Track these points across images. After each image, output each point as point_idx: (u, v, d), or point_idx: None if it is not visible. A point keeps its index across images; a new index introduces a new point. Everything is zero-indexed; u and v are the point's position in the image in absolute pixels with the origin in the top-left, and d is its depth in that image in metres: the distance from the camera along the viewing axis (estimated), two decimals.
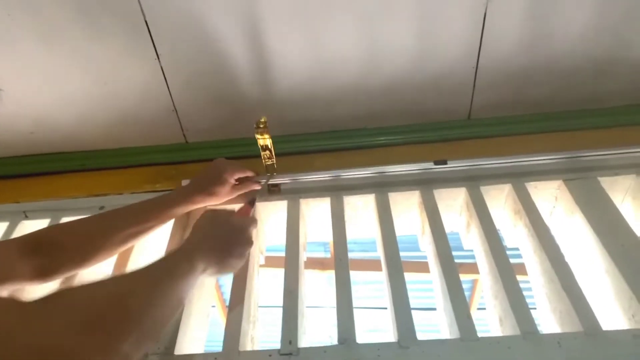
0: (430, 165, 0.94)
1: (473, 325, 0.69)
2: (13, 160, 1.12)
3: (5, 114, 1.06)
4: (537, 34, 0.98)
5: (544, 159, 0.93)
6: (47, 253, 0.71)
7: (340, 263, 0.81)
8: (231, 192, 0.89)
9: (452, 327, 0.72)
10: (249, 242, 0.74)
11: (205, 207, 0.89)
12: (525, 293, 0.72)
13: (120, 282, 0.56)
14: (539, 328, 0.68)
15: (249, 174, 0.93)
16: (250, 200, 0.88)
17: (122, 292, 0.53)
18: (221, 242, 0.70)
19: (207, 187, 0.86)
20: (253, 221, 0.78)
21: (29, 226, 0.99)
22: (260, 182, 0.94)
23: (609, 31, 0.97)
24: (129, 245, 0.81)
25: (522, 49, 1.00)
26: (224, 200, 0.89)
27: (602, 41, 0.99)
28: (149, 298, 0.54)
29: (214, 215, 0.74)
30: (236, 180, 0.90)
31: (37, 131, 1.09)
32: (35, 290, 0.77)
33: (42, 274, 0.71)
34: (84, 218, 0.80)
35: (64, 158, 1.11)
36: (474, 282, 3.30)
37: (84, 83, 1.01)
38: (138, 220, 0.80)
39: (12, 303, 0.49)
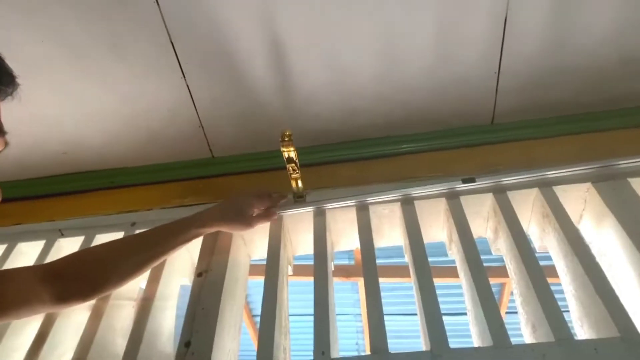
0: (457, 183, 0.93)
1: (506, 333, 0.68)
2: (47, 180, 1.17)
3: (38, 136, 1.10)
4: (560, 35, 0.97)
5: (572, 170, 0.90)
6: (61, 282, 0.74)
7: (369, 273, 0.82)
8: (250, 225, 0.89)
9: (484, 334, 0.71)
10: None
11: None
12: (556, 295, 0.71)
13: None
14: (574, 334, 0.67)
15: (270, 203, 0.94)
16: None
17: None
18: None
19: (227, 217, 0.87)
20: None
21: (64, 244, 1.03)
22: (278, 214, 0.95)
23: (633, 30, 0.96)
24: (145, 270, 0.82)
25: (544, 51, 0.99)
26: (245, 231, 0.92)
27: (627, 40, 0.98)
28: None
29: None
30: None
31: (69, 151, 1.13)
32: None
33: (59, 300, 0.73)
34: (98, 245, 0.83)
35: (95, 176, 1.15)
36: (502, 285, 3.25)
37: (113, 103, 1.05)
38: (154, 247, 0.81)
39: None
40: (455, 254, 0.94)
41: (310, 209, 0.96)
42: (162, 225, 0.84)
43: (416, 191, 0.95)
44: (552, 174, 0.91)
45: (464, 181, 0.93)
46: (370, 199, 0.95)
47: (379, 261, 0.85)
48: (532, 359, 0.64)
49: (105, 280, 0.76)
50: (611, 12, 0.93)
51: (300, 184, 0.96)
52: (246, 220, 0.88)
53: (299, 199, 0.98)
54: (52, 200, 1.13)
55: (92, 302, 0.88)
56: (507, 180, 0.92)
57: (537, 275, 0.75)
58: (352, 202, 0.95)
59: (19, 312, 0.69)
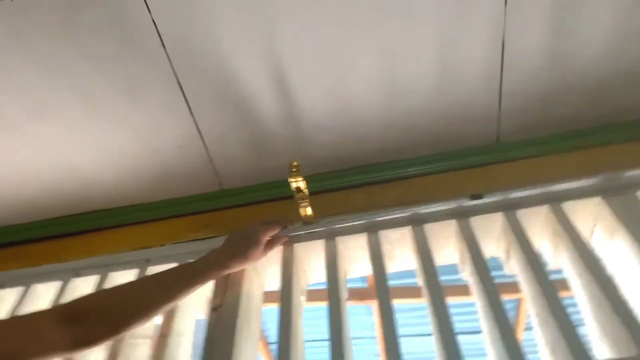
0: (466, 200, 0.94)
1: (523, 354, 0.68)
2: (61, 221, 1.18)
3: (53, 178, 1.12)
4: (558, 52, 0.98)
5: (580, 183, 0.91)
6: (80, 324, 0.73)
7: (383, 298, 0.82)
8: (263, 253, 0.91)
9: (502, 356, 0.71)
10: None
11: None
12: (572, 309, 0.71)
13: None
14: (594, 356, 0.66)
15: (279, 229, 0.95)
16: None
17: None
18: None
19: (242, 251, 0.87)
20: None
21: (79, 284, 1.04)
22: (287, 236, 0.96)
23: (631, 43, 0.97)
24: (160, 312, 0.81)
25: (544, 69, 1.00)
26: (257, 262, 0.91)
27: (626, 54, 0.99)
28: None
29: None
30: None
31: (82, 191, 1.15)
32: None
33: (74, 344, 0.72)
34: (117, 287, 0.81)
35: (108, 215, 1.17)
36: (519, 301, 3.20)
37: (124, 142, 1.07)
38: (169, 291, 0.81)
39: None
40: (468, 276, 0.93)
41: (321, 237, 0.97)
42: (180, 266, 0.85)
43: (425, 209, 0.95)
44: (559, 188, 0.91)
45: (472, 197, 0.94)
46: (380, 218, 0.96)
47: (392, 282, 0.85)
48: None
49: (124, 323, 0.76)
50: (608, 25, 0.95)
51: (309, 211, 0.97)
52: (258, 248, 0.89)
53: (310, 226, 0.99)
54: (66, 240, 1.15)
55: (109, 343, 0.88)
56: (515, 195, 0.92)
57: (553, 296, 0.74)
58: (362, 222, 0.96)
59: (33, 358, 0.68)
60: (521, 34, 0.95)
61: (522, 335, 3.44)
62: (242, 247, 0.88)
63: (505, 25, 0.93)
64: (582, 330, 0.71)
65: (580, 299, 0.82)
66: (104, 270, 1.03)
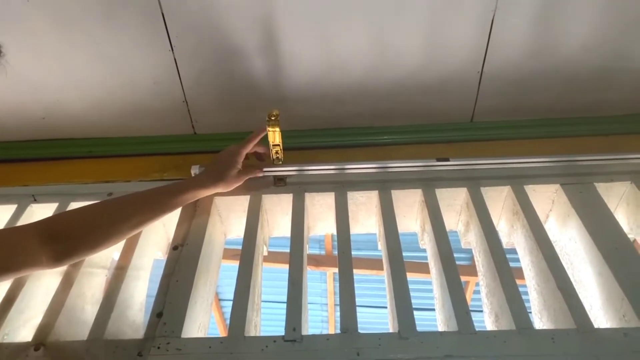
0: (432, 162, 0.97)
1: (471, 320, 0.71)
2: (24, 144, 1.14)
3: (17, 100, 1.07)
4: (542, 43, 1.01)
5: (541, 161, 0.96)
6: (59, 241, 0.74)
7: (344, 255, 0.84)
8: (239, 177, 0.92)
9: (450, 321, 0.75)
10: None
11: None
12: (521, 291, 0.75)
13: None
14: (534, 325, 0.71)
15: (255, 145, 0.95)
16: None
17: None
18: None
19: (220, 171, 0.90)
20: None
21: (37, 210, 1.01)
22: (262, 169, 0.97)
23: (611, 42, 1.00)
24: (138, 231, 0.84)
25: (526, 57, 1.03)
26: (234, 187, 0.93)
27: (604, 51, 1.02)
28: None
29: None
30: (246, 157, 0.94)
31: (48, 117, 1.11)
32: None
33: (56, 260, 0.74)
34: (93, 205, 0.82)
35: (73, 144, 1.13)
36: (466, 284, 3.35)
37: (97, 71, 1.03)
38: (149, 207, 0.82)
39: None
40: (427, 244, 0.97)
41: (290, 191, 0.97)
42: (160, 186, 0.87)
43: (393, 165, 0.98)
44: (522, 162, 0.96)
45: (439, 160, 0.97)
46: (349, 168, 0.99)
47: (354, 253, 0.87)
48: (494, 345, 0.68)
49: (105, 240, 0.78)
50: (593, 23, 0.98)
51: (281, 155, 0.97)
52: (235, 168, 0.91)
53: (279, 183, 0.99)
54: (27, 165, 1.11)
55: (63, 268, 0.87)
56: (480, 163, 0.96)
57: (504, 268, 0.78)
58: (330, 189, 0.97)
59: (14, 274, 0.70)
60: (509, 20, 0.97)
61: None
62: (220, 167, 0.90)
63: (496, 6, 0.95)
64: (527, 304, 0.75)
65: (528, 273, 0.87)
66: (64, 199, 1.00)
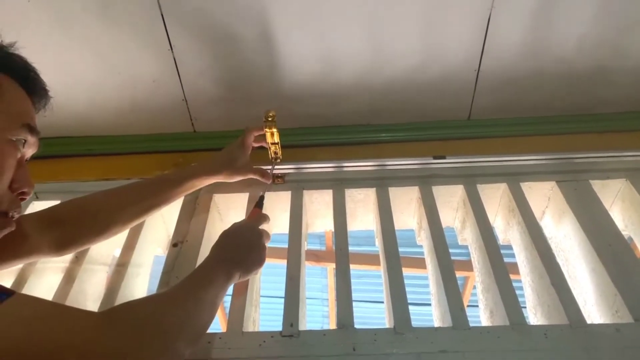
0: (429, 159, 0.98)
1: (465, 316, 0.72)
2: None
3: None
4: (538, 41, 1.01)
5: (537, 159, 0.97)
6: (62, 228, 0.74)
7: (341, 252, 0.85)
8: (247, 168, 0.92)
9: (445, 316, 0.76)
10: (263, 248, 0.79)
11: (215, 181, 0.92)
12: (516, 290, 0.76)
13: (170, 295, 0.62)
14: (528, 320, 0.72)
15: (255, 137, 0.96)
16: (258, 202, 0.91)
17: (174, 302, 0.59)
18: (239, 253, 0.75)
19: (229, 158, 0.91)
20: (263, 220, 0.85)
21: (38, 207, 1.02)
22: (268, 172, 0.97)
23: (606, 40, 1.01)
24: (142, 219, 0.85)
25: (522, 55, 1.03)
26: (240, 179, 0.93)
27: (599, 50, 1.03)
28: (197, 305, 0.61)
29: (226, 233, 0.78)
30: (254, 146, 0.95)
31: (49, 115, 1.12)
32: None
33: (58, 248, 0.75)
34: (98, 192, 0.82)
35: (74, 142, 1.14)
36: (466, 279, 3.36)
37: (97, 70, 1.04)
38: (152, 193, 0.83)
39: (83, 314, 0.53)
40: (423, 241, 0.98)
41: (288, 189, 0.99)
42: (162, 174, 0.87)
43: (390, 163, 0.99)
44: (518, 160, 0.97)
45: (435, 157, 0.98)
46: (347, 166, 1.00)
47: (352, 248, 0.88)
48: (488, 340, 0.69)
49: (106, 228, 0.78)
50: (589, 23, 0.98)
51: (279, 153, 0.98)
52: (247, 148, 0.92)
53: (278, 181, 1.00)
54: (28, 162, 1.12)
55: (65, 264, 0.89)
56: (476, 161, 0.97)
57: (498, 264, 0.80)
58: (329, 187, 0.98)
59: (17, 261, 0.71)
60: (506, 19, 0.97)
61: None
62: (229, 154, 0.91)
63: (492, 4, 0.95)
64: (521, 300, 0.76)
65: (523, 270, 0.88)
66: (66, 196, 1.00)
